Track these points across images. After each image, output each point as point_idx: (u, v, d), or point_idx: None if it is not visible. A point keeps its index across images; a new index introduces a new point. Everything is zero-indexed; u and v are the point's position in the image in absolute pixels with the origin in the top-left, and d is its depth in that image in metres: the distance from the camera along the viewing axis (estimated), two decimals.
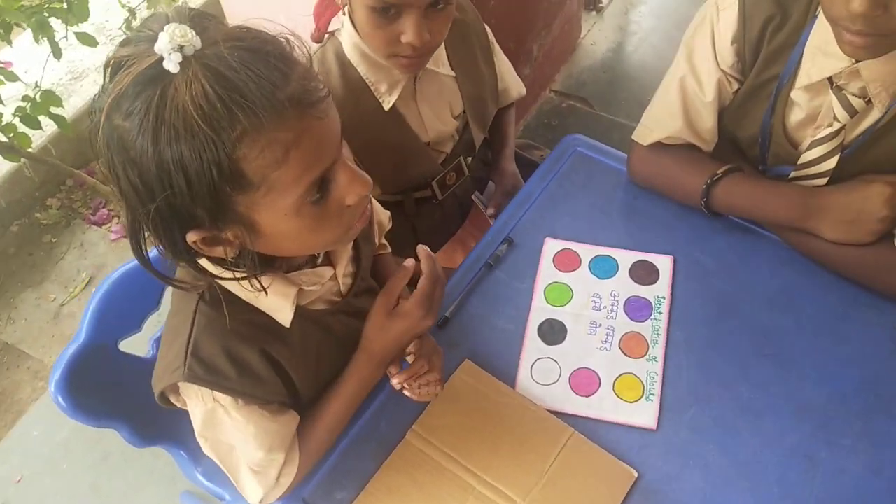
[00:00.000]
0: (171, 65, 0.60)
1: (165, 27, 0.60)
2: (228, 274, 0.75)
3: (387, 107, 1.13)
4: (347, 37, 1.10)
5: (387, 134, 1.16)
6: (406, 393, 0.94)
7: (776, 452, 0.93)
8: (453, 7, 1.02)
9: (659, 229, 1.14)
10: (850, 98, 0.94)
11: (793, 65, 0.97)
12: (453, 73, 1.19)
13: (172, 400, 0.84)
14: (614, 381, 1.00)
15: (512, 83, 1.34)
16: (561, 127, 2.35)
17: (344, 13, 1.10)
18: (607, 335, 1.04)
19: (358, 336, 0.93)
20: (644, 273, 1.09)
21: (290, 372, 0.87)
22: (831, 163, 1.00)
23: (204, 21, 0.64)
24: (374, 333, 0.91)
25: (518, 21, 2.05)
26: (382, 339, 0.91)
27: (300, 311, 0.84)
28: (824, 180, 1.02)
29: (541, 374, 1.01)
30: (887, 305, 1.02)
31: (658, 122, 1.09)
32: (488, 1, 1.83)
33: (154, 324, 1.11)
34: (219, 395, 0.80)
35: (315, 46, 1.16)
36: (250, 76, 0.61)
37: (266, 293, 0.77)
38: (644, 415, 0.97)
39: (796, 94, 0.98)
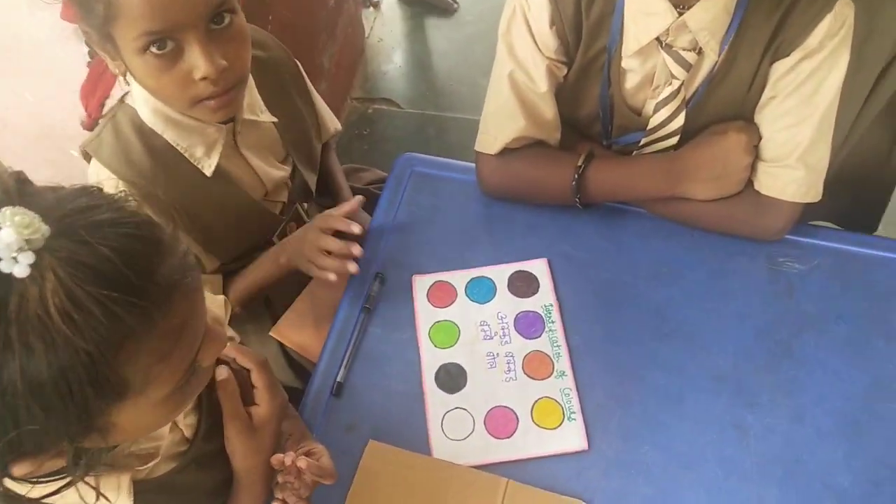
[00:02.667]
0: (21, 269, 0.45)
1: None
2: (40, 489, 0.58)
3: (209, 172, 0.98)
4: (143, 103, 0.93)
5: (213, 199, 1.00)
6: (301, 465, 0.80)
7: (707, 433, 0.91)
8: (242, 20, 0.89)
9: (523, 233, 1.08)
10: (682, 53, 0.92)
11: (616, 33, 0.93)
12: (275, 119, 1.05)
13: None
14: (531, 411, 0.93)
15: (327, 118, 1.22)
16: (374, 134, 2.25)
17: (127, 82, 0.92)
18: (508, 363, 0.96)
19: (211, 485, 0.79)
20: (523, 284, 1.03)
21: None
22: (679, 121, 0.98)
23: (30, 191, 0.50)
24: (251, 458, 0.78)
25: (301, 38, 1.91)
26: (260, 457, 0.79)
27: (141, 488, 0.69)
28: (675, 139, 1.01)
29: (453, 428, 0.92)
30: (755, 248, 1.03)
31: (500, 127, 1.02)
32: (265, 26, 1.67)
33: None
34: None
35: (88, 134, 0.97)
36: (124, 260, 0.48)
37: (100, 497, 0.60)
38: (572, 438, 0.91)
39: (628, 62, 0.95)
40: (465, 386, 0.95)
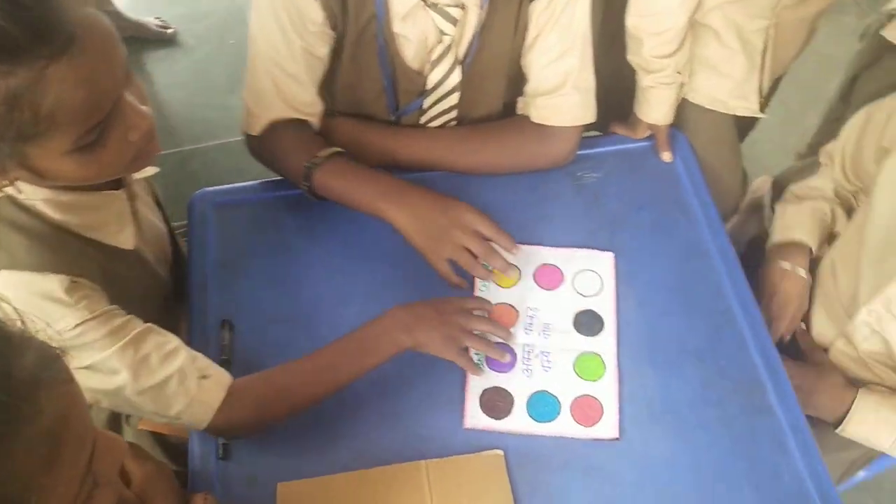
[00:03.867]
0: None
1: None
2: None
3: (131, 244, 0.85)
4: (38, 196, 0.74)
5: (134, 273, 0.88)
6: None
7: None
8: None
9: (359, 229, 1.07)
10: (447, 9, 0.95)
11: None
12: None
13: None
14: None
15: None
16: None
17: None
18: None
19: None
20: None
21: None
22: (455, 77, 1.02)
23: None
24: None
25: None
26: None
27: None
28: (456, 97, 1.05)
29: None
30: (556, 173, 1.12)
31: (260, 106, 1.01)
32: None
33: None
34: None
35: None
36: None
37: None
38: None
39: (399, 27, 0.97)
40: None
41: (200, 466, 0.89)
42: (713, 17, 1.08)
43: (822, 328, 1.12)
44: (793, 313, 1.11)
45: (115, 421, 1.02)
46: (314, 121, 1.05)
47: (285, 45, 0.96)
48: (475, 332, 0.92)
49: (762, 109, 1.19)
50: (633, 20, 1.05)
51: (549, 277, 1.03)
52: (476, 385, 0.95)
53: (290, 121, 1.02)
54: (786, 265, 1.12)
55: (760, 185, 1.54)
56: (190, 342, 0.95)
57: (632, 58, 1.09)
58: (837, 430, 1.03)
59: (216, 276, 1.03)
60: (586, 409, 0.94)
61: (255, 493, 0.87)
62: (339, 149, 1.02)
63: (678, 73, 1.07)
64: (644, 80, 1.09)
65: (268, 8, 0.95)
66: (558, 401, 0.95)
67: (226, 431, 0.87)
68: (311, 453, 0.90)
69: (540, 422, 0.93)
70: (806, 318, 1.14)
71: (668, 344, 0.99)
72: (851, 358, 1.08)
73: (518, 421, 0.93)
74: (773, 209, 1.26)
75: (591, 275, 1.03)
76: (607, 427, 0.93)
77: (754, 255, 1.29)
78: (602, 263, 1.04)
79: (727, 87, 1.15)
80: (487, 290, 1.01)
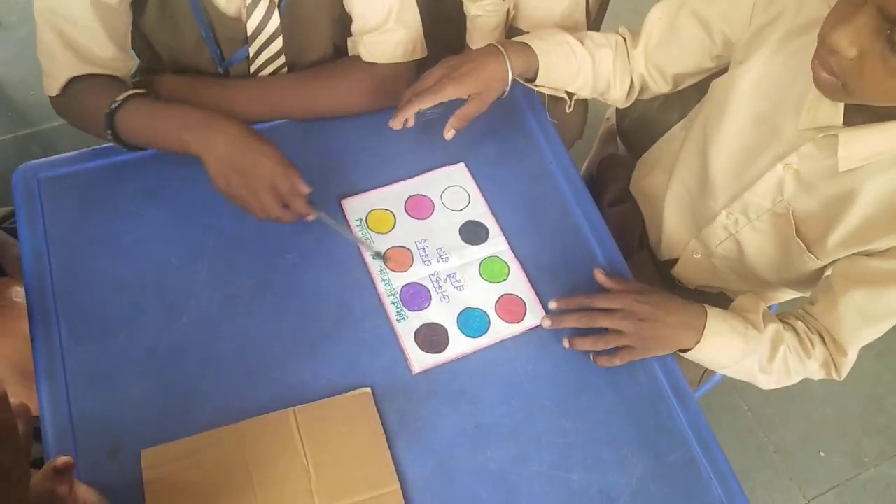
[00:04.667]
0: None
1: None
2: None
3: None
4: None
5: None
6: None
7: None
8: None
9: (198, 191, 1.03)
10: None
11: None
12: None
13: None
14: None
15: None
16: None
17: None
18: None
19: None
20: None
21: None
22: (275, 21, 1.00)
23: None
24: None
25: None
26: None
27: None
28: (279, 43, 1.03)
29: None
30: None
31: (54, 65, 0.96)
32: None
33: None
34: None
35: None
36: None
37: None
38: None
39: None
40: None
41: (56, 443, 0.85)
42: None
43: (675, 231, 1.17)
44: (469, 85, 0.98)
45: None
46: (121, 76, 1.00)
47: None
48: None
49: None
50: None
51: (419, 206, 1.05)
52: (406, 329, 0.95)
53: (90, 76, 0.96)
54: (499, 47, 1.01)
55: (612, 114, 1.60)
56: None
57: None
58: (685, 355, 0.98)
59: (51, 252, 0.97)
60: (511, 307, 0.99)
61: (119, 465, 0.83)
62: (140, 90, 0.96)
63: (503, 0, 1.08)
64: (471, 9, 1.10)
65: None
66: (483, 311, 0.98)
67: None
68: (174, 417, 0.87)
69: (477, 336, 0.96)
70: (656, 224, 1.19)
71: (526, 260, 1.03)
72: (700, 265, 1.15)
73: (459, 345, 0.95)
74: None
75: (455, 189, 1.07)
76: (534, 314, 0.99)
77: (607, 173, 1.34)
78: (459, 175, 1.08)
79: (557, 13, 1.17)
80: (374, 243, 1.01)
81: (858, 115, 0.83)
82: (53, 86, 0.97)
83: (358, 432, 0.88)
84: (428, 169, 1.08)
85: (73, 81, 0.96)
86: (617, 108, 1.38)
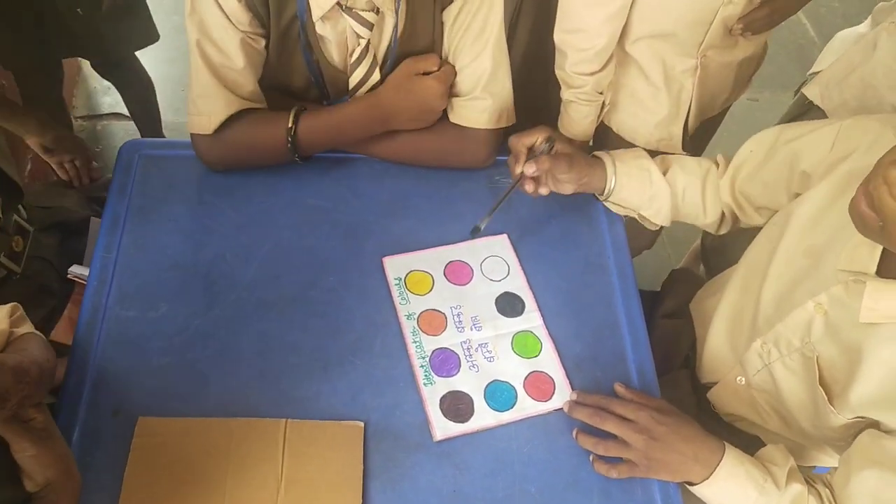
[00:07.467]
0: None
1: None
2: None
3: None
4: None
5: None
6: None
7: None
8: None
9: (261, 198, 1.11)
10: (362, 14, 0.99)
11: (303, 1, 0.99)
12: None
13: None
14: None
15: None
16: (108, 150, 2.14)
17: None
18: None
19: None
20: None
21: None
22: (375, 77, 1.07)
23: None
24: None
25: None
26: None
27: None
28: None
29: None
30: (476, 174, 1.16)
31: (209, 107, 1.03)
32: None
33: None
34: None
35: None
36: None
37: None
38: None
39: (320, 28, 1.01)
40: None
41: (73, 389, 0.92)
42: (639, 49, 1.12)
43: (717, 353, 1.11)
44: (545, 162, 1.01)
45: None
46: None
47: (227, 41, 0.99)
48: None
49: (684, 148, 1.22)
50: (558, 35, 1.09)
51: (459, 273, 1.07)
52: (432, 395, 0.95)
53: (244, 110, 1.05)
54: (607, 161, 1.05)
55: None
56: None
57: (558, 71, 1.13)
58: (692, 489, 0.92)
59: (127, 219, 1.07)
60: (539, 385, 0.98)
61: (117, 424, 0.89)
62: (300, 105, 1.06)
63: (599, 93, 1.11)
64: (565, 94, 1.13)
65: (206, 7, 0.97)
66: (512, 385, 0.97)
67: None
68: (179, 396, 0.92)
69: (503, 411, 0.95)
70: (700, 343, 1.15)
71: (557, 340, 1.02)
72: (739, 393, 1.09)
73: (484, 417, 0.94)
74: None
75: (495, 259, 1.08)
76: (562, 395, 0.97)
77: (672, 286, 1.31)
78: (500, 246, 1.09)
79: (651, 123, 1.18)
80: (408, 304, 1.03)
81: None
82: (209, 125, 1.04)
83: (338, 461, 0.89)
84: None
85: (228, 120, 1.04)
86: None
